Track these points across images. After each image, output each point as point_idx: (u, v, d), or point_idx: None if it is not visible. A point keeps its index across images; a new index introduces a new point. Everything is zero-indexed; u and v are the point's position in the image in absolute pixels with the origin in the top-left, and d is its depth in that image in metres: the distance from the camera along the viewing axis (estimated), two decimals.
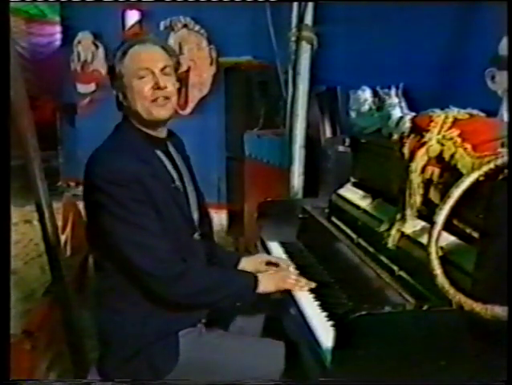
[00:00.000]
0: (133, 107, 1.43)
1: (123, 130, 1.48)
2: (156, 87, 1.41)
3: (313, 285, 1.56)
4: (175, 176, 1.50)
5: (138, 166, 1.38)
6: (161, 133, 1.50)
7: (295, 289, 1.53)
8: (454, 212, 1.15)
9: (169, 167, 1.50)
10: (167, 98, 1.43)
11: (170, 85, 1.44)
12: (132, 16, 4.56)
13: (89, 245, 1.56)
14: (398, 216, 1.42)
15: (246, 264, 1.72)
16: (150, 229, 1.37)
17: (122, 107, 1.48)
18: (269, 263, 1.73)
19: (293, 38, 2.75)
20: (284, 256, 1.89)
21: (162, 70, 1.43)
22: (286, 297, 1.54)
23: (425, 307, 1.11)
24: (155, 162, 1.46)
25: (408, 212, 1.38)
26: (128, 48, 1.44)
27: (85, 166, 1.42)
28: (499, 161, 1.10)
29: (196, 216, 1.56)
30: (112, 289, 1.45)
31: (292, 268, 1.71)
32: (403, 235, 1.40)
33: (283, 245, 2.00)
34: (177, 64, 1.51)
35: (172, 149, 1.55)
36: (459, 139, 1.26)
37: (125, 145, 1.43)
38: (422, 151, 1.33)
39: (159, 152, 1.48)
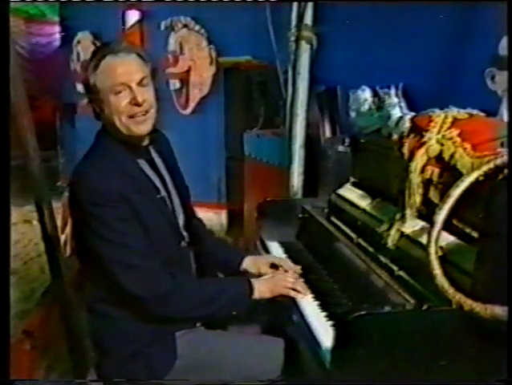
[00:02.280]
0: (111, 122, 1.38)
1: (103, 140, 1.44)
2: (134, 102, 1.35)
3: (308, 294, 1.51)
4: (159, 185, 1.47)
5: (122, 183, 1.36)
6: (143, 142, 1.47)
7: (291, 295, 1.49)
8: (454, 211, 1.15)
9: (153, 177, 1.47)
10: (146, 112, 1.38)
11: (148, 96, 1.39)
12: (132, 16, 4.55)
13: (77, 257, 1.54)
14: (398, 216, 1.42)
15: (249, 264, 1.68)
16: (137, 249, 1.35)
17: (99, 117, 1.43)
18: (273, 265, 1.68)
19: (292, 38, 2.75)
20: (284, 256, 1.89)
21: (139, 82, 1.36)
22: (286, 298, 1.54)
23: (425, 307, 1.11)
24: (138, 174, 1.43)
25: (408, 211, 1.38)
26: (101, 59, 1.36)
27: (70, 179, 1.41)
28: (499, 161, 1.10)
29: (181, 219, 1.54)
30: (104, 297, 1.44)
31: (295, 270, 1.65)
32: (402, 235, 1.40)
33: (283, 244, 2.00)
34: (154, 70, 1.45)
35: (154, 155, 1.52)
36: (459, 139, 1.26)
37: (107, 159, 1.39)
38: (422, 151, 1.33)
39: (141, 162, 1.45)
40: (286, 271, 1.63)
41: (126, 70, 1.36)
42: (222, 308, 1.44)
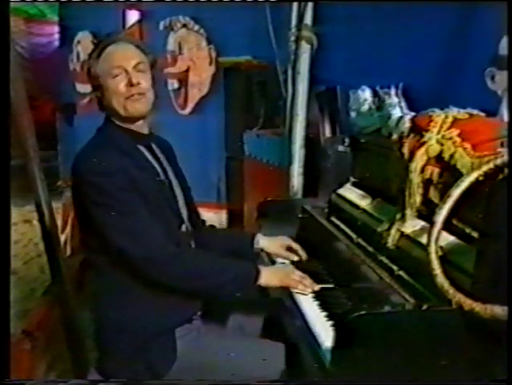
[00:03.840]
0: (110, 105, 1.46)
1: (105, 129, 1.51)
2: (130, 84, 1.44)
3: (317, 287, 1.53)
4: (159, 170, 1.52)
5: (122, 159, 1.41)
6: (143, 129, 1.53)
7: (298, 288, 1.50)
8: (454, 211, 1.15)
9: (153, 161, 1.52)
10: (141, 94, 1.46)
11: (144, 81, 1.47)
12: (132, 16, 4.55)
13: (80, 243, 1.56)
14: (398, 216, 1.42)
15: (266, 243, 1.75)
16: (139, 215, 1.38)
17: (102, 106, 1.51)
18: (289, 248, 1.77)
19: (292, 38, 2.75)
20: None
21: (135, 67, 1.46)
22: (286, 297, 1.54)
23: (425, 307, 1.11)
24: (138, 156, 1.49)
25: (408, 211, 1.38)
26: (103, 49, 1.48)
27: (71, 167, 1.44)
28: (499, 161, 1.10)
29: (184, 211, 1.57)
30: (106, 286, 1.45)
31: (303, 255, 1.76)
32: (402, 235, 1.40)
33: None
34: (154, 61, 1.54)
35: (155, 147, 1.57)
36: (459, 139, 1.26)
37: (108, 141, 1.47)
38: (422, 150, 1.33)
39: (142, 148, 1.51)
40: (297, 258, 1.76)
41: (123, 55, 1.47)
42: (226, 285, 1.44)
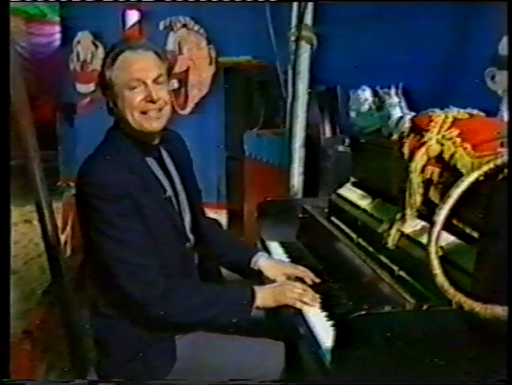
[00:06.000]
0: (124, 117, 1.38)
1: (114, 137, 1.44)
2: (149, 99, 1.35)
3: (317, 301, 1.45)
4: (166, 184, 1.47)
5: (128, 179, 1.35)
6: (154, 140, 1.46)
7: (297, 305, 1.43)
8: (454, 211, 1.15)
9: (160, 176, 1.46)
10: (160, 110, 1.38)
11: (164, 94, 1.38)
12: (132, 16, 4.55)
13: (83, 251, 1.53)
14: (398, 216, 1.42)
15: (266, 266, 1.63)
16: (135, 246, 1.34)
17: (113, 112, 1.43)
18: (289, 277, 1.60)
19: (292, 38, 2.76)
20: (284, 256, 1.89)
21: (155, 80, 1.36)
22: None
23: (425, 307, 1.11)
24: (146, 172, 1.42)
25: (408, 211, 1.38)
26: (119, 54, 1.36)
27: (77, 173, 1.40)
28: (499, 161, 1.10)
29: (188, 221, 1.53)
30: (103, 295, 1.43)
31: (313, 279, 1.59)
32: (403, 235, 1.40)
33: (283, 244, 2.00)
34: (171, 67, 1.46)
35: (164, 155, 1.51)
36: (459, 139, 1.26)
37: (116, 155, 1.39)
38: (422, 151, 1.33)
39: (150, 160, 1.45)
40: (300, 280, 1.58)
41: (143, 66, 1.36)
42: (221, 314, 1.40)
